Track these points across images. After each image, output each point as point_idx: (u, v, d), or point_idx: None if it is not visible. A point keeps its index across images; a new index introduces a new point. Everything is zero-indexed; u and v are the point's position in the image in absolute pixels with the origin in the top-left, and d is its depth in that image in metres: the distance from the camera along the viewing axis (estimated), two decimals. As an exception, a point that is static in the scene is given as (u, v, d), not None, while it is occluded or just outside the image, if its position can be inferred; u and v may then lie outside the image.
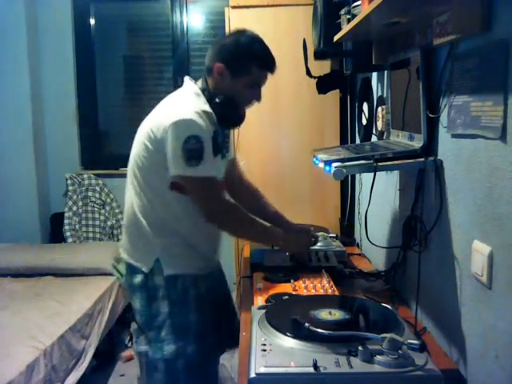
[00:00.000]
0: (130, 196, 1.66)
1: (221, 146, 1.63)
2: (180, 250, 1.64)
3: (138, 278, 1.64)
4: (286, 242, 1.76)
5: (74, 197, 3.65)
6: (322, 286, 1.66)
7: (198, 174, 1.51)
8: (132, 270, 1.66)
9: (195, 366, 1.64)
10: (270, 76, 1.65)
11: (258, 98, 1.66)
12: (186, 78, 1.71)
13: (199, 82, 1.66)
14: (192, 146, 1.48)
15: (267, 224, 1.79)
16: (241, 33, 1.64)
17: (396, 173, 1.77)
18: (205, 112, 1.54)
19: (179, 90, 1.69)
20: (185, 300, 1.63)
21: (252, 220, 1.68)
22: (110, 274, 3.00)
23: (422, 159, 1.38)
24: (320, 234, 2.12)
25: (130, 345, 3.04)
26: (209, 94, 1.60)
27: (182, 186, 1.57)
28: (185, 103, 1.57)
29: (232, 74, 1.59)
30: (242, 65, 1.59)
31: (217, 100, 1.59)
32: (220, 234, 1.79)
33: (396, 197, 1.78)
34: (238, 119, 1.69)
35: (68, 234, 3.63)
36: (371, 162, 1.38)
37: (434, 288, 1.43)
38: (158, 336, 1.62)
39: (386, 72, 1.86)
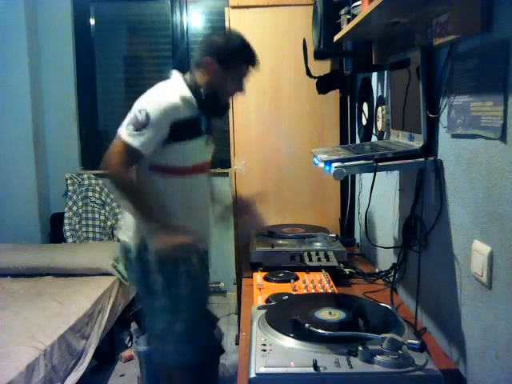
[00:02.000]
0: None
1: (202, 131, 1.82)
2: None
3: (133, 254, 1.82)
4: (159, 232, 1.72)
5: (74, 197, 3.65)
6: (322, 285, 1.66)
7: (124, 138, 1.69)
8: (126, 247, 1.84)
9: (192, 331, 1.83)
10: (253, 71, 1.86)
11: (242, 89, 1.87)
12: (174, 72, 1.88)
13: (187, 76, 1.84)
14: (139, 118, 1.67)
15: (153, 211, 1.76)
16: (227, 32, 1.92)
17: (396, 173, 1.77)
18: (184, 97, 1.74)
19: (167, 80, 1.86)
20: (176, 273, 1.79)
21: (134, 195, 1.75)
22: (110, 274, 3.00)
23: (422, 159, 1.38)
24: (320, 234, 2.12)
25: (129, 345, 3.04)
26: (195, 86, 1.79)
27: (160, 166, 1.77)
28: (165, 89, 1.77)
29: (221, 67, 1.78)
30: (230, 59, 1.79)
31: (201, 91, 1.78)
32: (207, 215, 1.96)
33: (396, 197, 1.78)
34: (222, 109, 1.93)
35: (68, 233, 3.63)
36: (371, 162, 1.38)
37: (434, 288, 1.43)
38: (156, 303, 1.80)
39: (385, 72, 1.86)
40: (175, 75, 1.86)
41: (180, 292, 1.81)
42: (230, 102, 1.94)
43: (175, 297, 1.81)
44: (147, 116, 1.66)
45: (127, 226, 1.86)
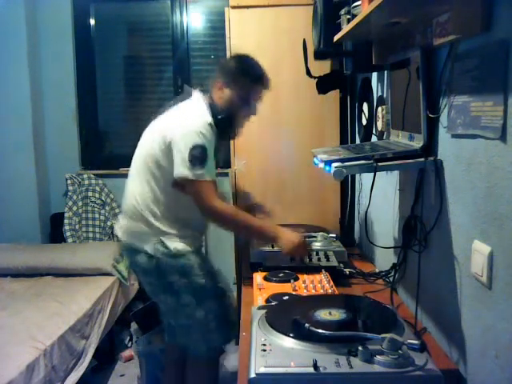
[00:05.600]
0: (137, 186, 1.91)
1: (216, 153, 1.88)
2: (178, 232, 1.89)
3: (144, 258, 1.89)
4: (283, 242, 1.81)
5: (74, 197, 3.65)
6: (321, 286, 1.66)
7: (199, 178, 1.76)
8: (136, 251, 1.92)
9: (223, 319, 1.94)
10: (264, 92, 1.93)
11: (254, 111, 1.95)
12: (195, 92, 1.95)
13: (207, 97, 1.92)
14: (197, 154, 1.74)
15: (265, 223, 1.90)
16: (238, 54, 1.96)
17: (396, 173, 1.77)
18: (210, 124, 1.81)
19: (191, 101, 1.92)
20: (191, 269, 1.88)
21: (247, 220, 1.85)
22: (110, 274, 3.00)
23: (422, 159, 1.38)
24: (320, 234, 2.12)
25: (129, 345, 3.04)
26: (214, 109, 1.87)
27: (182, 185, 1.83)
28: (196, 115, 1.83)
29: (229, 89, 1.87)
30: (237, 80, 1.87)
31: (219, 116, 1.85)
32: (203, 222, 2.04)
33: (396, 197, 1.78)
34: (233, 134, 2.04)
35: (68, 234, 3.63)
36: (371, 162, 1.38)
37: (434, 288, 1.43)
38: (180, 301, 1.89)
39: (385, 72, 1.86)
40: (197, 97, 1.92)
41: (201, 284, 1.89)
42: (242, 126, 2.02)
43: (198, 289, 1.89)
44: (203, 148, 1.75)
45: (138, 230, 1.92)
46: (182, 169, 1.76)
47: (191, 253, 1.91)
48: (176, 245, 1.88)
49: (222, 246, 3.15)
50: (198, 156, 1.74)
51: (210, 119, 1.82)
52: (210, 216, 1.86)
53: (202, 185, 1.78)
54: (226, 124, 1.89)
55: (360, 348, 1.02)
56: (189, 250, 1.91)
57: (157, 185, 1.88)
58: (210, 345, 1.96)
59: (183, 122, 1.81)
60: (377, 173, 1.40)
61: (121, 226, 2.02)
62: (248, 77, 1.88)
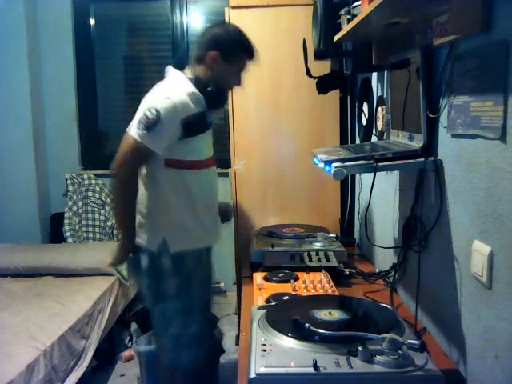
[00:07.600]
0: None
1: (209, 124, 1.84)
2: (184, 226, 1.79)
3: (144, 260, 1.79)
4: (119, 247, 1.83)
5: (74, 197, 3.65)
6: (322, 286, 1.66)
7: (136, 136, 1.67)
8: (136, 250, 1.81)
9: (200, 338, 1.85)
10: (252, 64, 1.90)
11: (240, 83, 1.90)
12: (170, 68, 1.89)
13: (187, 72, 1.85)
14: (148, 116, 1.66)
15: (132, 225, 1.80)
16: (226, 25, 1.90)
17: (396, 173, 1.77)
18: (192, 93, 1.73)
19: (169, 78, 1.86)
20: (191, 278, 1.80)
21: (127, 204, 1.76)
22: (110, 274, 3.00)
23: (422, 159, 1.38)
24: (320, 234, 2.12)
25: (130, 345, 3.04)
26: (199, 81, 1.80)
27: (176, 161, 1.76)
28: (171, 86, 1.77)
29: (225, 61, 1.80)
30: (234, 53, 1.82)
31: (210, 88, 1.79)
32: (216, 209, 1.96)
33: (396, 197, 1.78)
34: (223, 102, 1.95)
35: (68, 234, 3.63)
36: (371, 162, 1.38)
37: (434, 288, 1.43)
38: (166, 310, 1.81)
39: (385, 72, 1.86)
40: (174, 72, 1.86)
41: (195, 294, 1.83)
42: (229, 95, 2.00)
43: (190, 299, 1.82)
44: (158, 114, 1.65)
45: (142, 228, 1.81)
46: (131, 126, 1.70)
47: (197, 254, 1.83)
48: (179, 245, 1.79)
49: (221, 246, 3.14)
50: (148, 119, 1.65)
51: (192, 89, 1.75)
52: (112, 172, 1.73)
53: (129, 142, 1.68)
54: (215, 94, 1.83)
55: (360, 348, 1.02)
56: (195, 249, 1.82)
57: (152, 171, 1.78)
58: (194, 358, 1.86)
59: (154, 93, 1.76)
60: (377, 173, 1.40)
61: None
62: (244, 52, 1.85)
